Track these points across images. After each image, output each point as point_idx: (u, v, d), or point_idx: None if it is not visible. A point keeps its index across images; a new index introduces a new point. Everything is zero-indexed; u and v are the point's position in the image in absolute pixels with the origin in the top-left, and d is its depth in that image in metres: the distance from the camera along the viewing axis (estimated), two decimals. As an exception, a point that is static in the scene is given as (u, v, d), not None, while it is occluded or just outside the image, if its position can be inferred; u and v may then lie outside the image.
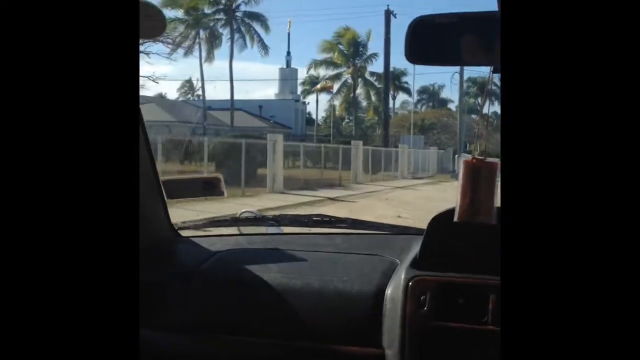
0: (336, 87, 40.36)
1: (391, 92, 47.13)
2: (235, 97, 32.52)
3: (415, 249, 1.31)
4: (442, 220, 1.27)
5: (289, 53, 46.01)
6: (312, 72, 41.61)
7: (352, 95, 40.49)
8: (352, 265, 1.39)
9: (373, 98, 40.71)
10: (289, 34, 52.09)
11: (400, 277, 1.26)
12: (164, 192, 1.56)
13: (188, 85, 47.37)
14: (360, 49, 39.47)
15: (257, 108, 38.68)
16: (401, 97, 52.43)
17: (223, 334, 1.36)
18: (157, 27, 1.44)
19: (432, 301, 1.19)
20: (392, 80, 47.77)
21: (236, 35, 33.16)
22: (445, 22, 1.12)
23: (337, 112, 43.35)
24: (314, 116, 48.32)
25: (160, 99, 34.60)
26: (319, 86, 41.01)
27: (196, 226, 1.68)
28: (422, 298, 1.20)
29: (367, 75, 40.06)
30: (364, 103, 42.97)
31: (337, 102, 42.48)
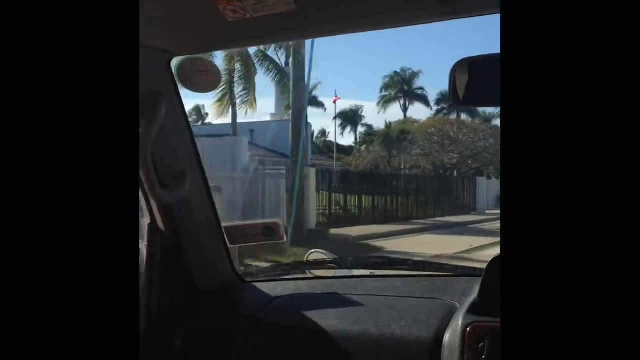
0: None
1: (401, 101, 37.42)
2: (226, 121, 24.07)
3: (476, 292, 1.28)
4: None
5: (287, 63, 34.18)
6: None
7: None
8: (410, 310, 1.38)
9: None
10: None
11: (458, 322, 1.24)
12: (226, 238, 1.60)
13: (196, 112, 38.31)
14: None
15: (249, 133, 27.71)
16: (417, 107, 41.82)
17: None
18: (212, 83, 1.50)
19: (490, 349, 1.15)
20: (401, 84, 36.70)
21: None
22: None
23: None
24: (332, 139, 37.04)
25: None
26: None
27: (260, 271, 1.71)
28: (480, 345, 1.16)
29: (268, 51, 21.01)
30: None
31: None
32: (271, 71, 22.24)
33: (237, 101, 22.29)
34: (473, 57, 1.11)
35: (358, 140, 37.33)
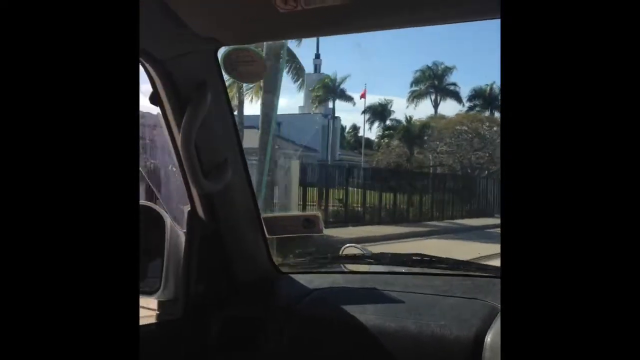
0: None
1: (432, 96, 35.59)
2: (252, 112, 23.01)
3: None
4: None
5: (317, 56, 34.23)
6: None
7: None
8: (450, 309, 1.36)
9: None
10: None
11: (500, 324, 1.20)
12: (265, 229, 1.60)
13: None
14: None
15: (275, 125, 25.91)
16: (449, 104, 39.74)
17: None
18: (258, 73, 1.50)
19: None
20: (432, 79, 34.70)
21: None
22: None
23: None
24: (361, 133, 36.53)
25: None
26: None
27: (296, 263, 1.71)
28: None
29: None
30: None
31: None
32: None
33: (243, 88, 20.91)
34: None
35: (384, 135, 36.06)
